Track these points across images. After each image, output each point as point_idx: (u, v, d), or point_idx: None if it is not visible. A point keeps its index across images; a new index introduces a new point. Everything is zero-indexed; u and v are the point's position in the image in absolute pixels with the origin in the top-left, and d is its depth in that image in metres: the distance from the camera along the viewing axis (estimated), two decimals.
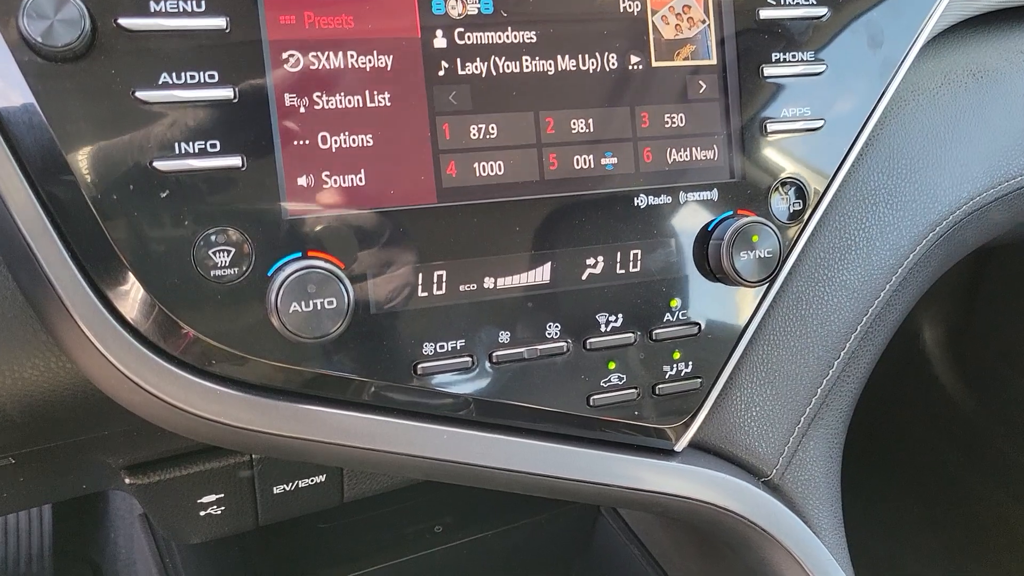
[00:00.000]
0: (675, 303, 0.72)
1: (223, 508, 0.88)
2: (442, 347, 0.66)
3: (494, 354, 0.67)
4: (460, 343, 0.66)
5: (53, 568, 1.56)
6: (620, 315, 0.71)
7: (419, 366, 0.65)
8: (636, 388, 0.72)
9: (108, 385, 0.60)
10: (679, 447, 0.76)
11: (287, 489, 0.90)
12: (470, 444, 0.68)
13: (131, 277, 0.58)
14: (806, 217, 0.76)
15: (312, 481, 0.91)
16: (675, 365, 0.73)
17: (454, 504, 1.16)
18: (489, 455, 0.68)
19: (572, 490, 0.72)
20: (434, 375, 0.66)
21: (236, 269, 0.59)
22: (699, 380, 0.74)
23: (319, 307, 0.60)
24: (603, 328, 0.70)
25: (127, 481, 0.82)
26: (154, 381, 0.60)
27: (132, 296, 0.58)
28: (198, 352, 0.60)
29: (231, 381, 0.61)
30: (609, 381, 0.71)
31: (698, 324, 0.73)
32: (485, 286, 0.67)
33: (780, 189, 0.74)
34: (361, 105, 0.62)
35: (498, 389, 0.68)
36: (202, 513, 0.87)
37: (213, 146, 0.59)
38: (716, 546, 0.94)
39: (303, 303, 0.60)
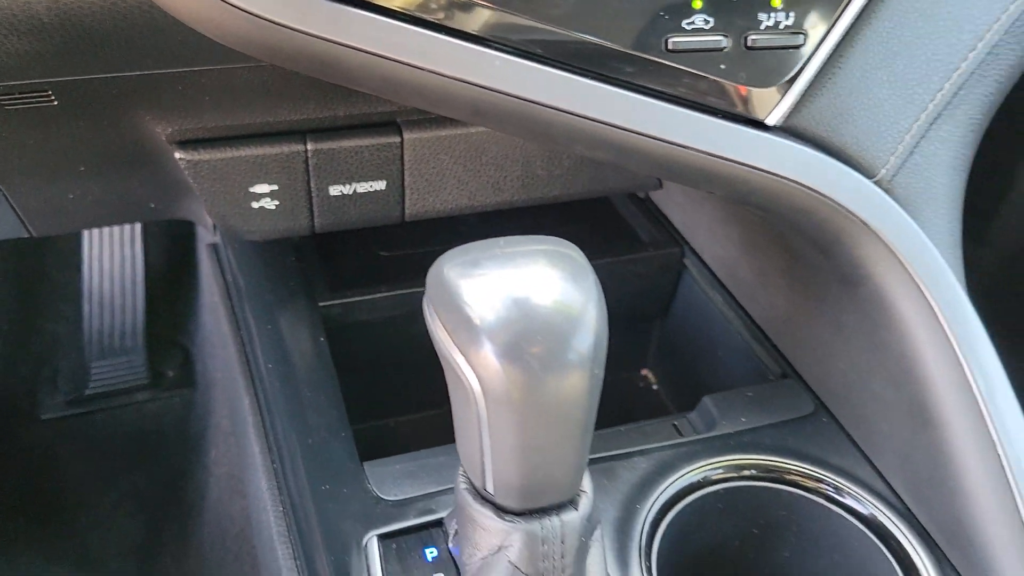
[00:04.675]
0: None
1: (277, 203, 0.83)
2: None
3: None
4: None
5: (146, 344, 1.60)
6: None
7: None
8: (725, 36, 0.62)
9: None
10: (771, 120, 0.66)
11: (344, 192, 0.85)
12: (527, 76, 0.60)
13: None
14: None
15: (371, 187, 0.85)
16: (773, 14, 0.63)
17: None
18: (549, 91, 0.60)
19: (644, 151, 0.63)
20: None
21: None
22: (801, 36, 0.63)
23: None
24: None
25: (178, 156, 0.78)
26: None
27: None
28: None
29: None
30: (692, 23, 0.61)
31: None
32: None
33: None
34: None
35: (560, 15, 0.59)
36: (255, 205, 0.83)
37: None
38: (806, 268, 0.84)
39: None
